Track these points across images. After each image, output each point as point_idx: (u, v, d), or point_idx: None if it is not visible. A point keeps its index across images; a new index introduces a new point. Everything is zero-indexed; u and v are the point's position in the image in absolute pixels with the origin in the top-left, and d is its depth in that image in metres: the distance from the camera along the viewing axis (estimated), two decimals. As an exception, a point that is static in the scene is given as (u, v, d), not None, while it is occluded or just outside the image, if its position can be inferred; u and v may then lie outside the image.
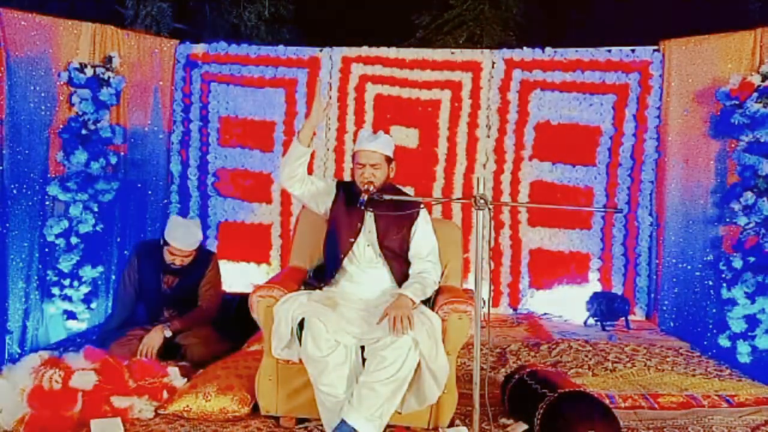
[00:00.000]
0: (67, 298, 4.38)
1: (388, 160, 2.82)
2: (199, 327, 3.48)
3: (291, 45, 5.45)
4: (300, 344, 2.55)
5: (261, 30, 8.07)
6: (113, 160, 4.57)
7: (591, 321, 4.71)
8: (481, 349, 2.36)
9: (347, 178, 5.21)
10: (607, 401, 2.95)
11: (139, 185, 4.96)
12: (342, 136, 5.25)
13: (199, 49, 5.29)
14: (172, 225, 3.42)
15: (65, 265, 4.35)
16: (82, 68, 4.44)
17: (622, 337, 4.34)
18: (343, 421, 2.39)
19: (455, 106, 5.17)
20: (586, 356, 3.81)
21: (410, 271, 2.81)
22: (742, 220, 4.02)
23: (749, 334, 3.95)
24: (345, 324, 2.54)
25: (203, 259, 3.61)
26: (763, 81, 4.04)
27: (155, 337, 3.29)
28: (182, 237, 3.38)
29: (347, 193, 2.88)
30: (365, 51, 5.23)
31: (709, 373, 3.57)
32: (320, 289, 2.84)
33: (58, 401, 2.62)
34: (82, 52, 4.52)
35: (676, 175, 4.64)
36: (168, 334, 3.32)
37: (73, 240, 4.37)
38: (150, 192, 5.06)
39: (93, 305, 4.52)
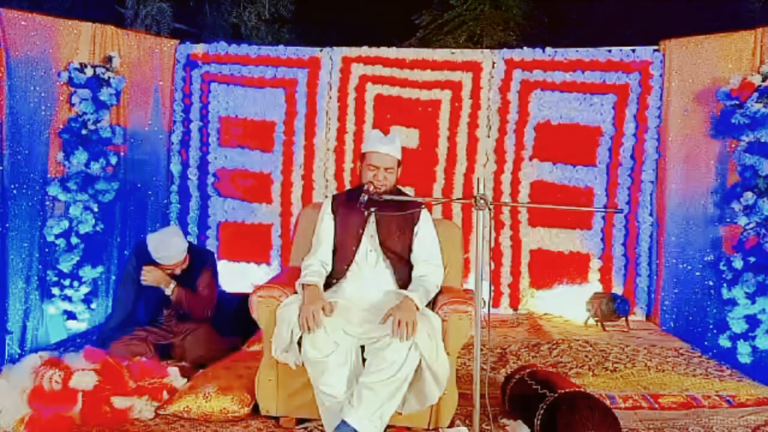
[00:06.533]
0: (67, 299, 4.38)
1: (399, 163, 2.82)
2: (196, 319, 3.49)
3: (291, 45, 5.45)
4: (299, 349, 2.54)
5: (261, 30, 8.07)
6: (113, 160, 4.57)
7: (591, 321, 4.71)
8: (481, 350, 2.36)
9: (347, 177, 5.24)
10: (607, 402, 2.95)
11: (139, 185, 4.95)
12: (342, 136, 5.24)
13: (199, 49, 5.29)
14: (150, 245, 3.38)
15: (65, 266, 4.35)
16: (82, 68, 4.44)
17: (622, 337, 4.34)
18: (343, 422, 2.38)
19: (455, 106, 5.17)
20: (586, 356, 3.81)
21: (413, 274, 2.80)
22: (743, 221, 4.02)
23: (750, 334, 3.94)
24: (345, 324, 2.54)
25: (200, 258, 3.61)
26: (763, 81, 4.03)
27: (159, 276, 3.34)
28: (163, 253, 3.36)
29: (345, 201, 2.87)
30: (365, 51, 5.23)
31: (710, 373, 3.58)
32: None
33: (58, 401, 2.62)
34: (82, 52, 4.52)
35: (676, 175, 4.64)
36: (168, 291, 3.38)
37: (73, 240, 4.37)
38: (150, 192, 5.06)
39: (93, 305, 4.52)
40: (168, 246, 3.37)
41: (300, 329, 2.49)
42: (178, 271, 3.45)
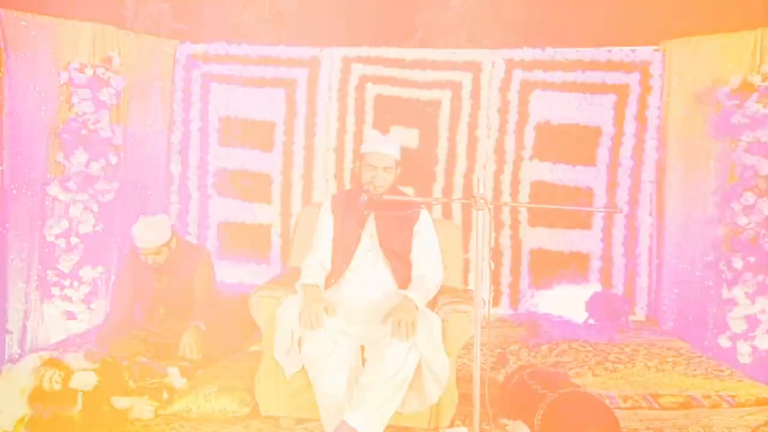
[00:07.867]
0: (67, 299, 4.38)
1: (398, 163, 2.82)
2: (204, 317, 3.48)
3: (291, 45, 5.44)
4: (299, 350, 2.54)
5: (261, 30, 8.07)
6: (113, 160, 4.56)
7: (591, 321, 4.70)
8: (481, 350, 2.35)
9: (347, 177, 5.23)
10: (607, 401, 2.95)
11: (139, 185, 4.95)
12: (342, 136, 5.24)
13: (199, 49, 5.29)
14: (135, 225, 3.40)
15: (65, 266, 4.34)
16: (82, 68, 4.43)
17: (622, 337, 4.34)
18: (343, 422, 2.39)
19: (455, 106, 5.16)
20: (587, 356, 3.81)
21: (412, 274, 2.80)
22: (743, 220, 4.02)
23: (749, 334, 3.94)
24: (345, 324, 2.54)
25: (192, 255, 3.59)
26: (763, 81, 4.03)
27: (194, 335, 3.29)
28: (139, 235, 3.36)
29: (345, 201, 2.87)
30: (365, 51, 5.23)
31: (710, 373, 3.57)
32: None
33: (58, 401, 2.62)
34: (82, 52, 4.51)
35: (676, 175, 4.64)
36: (203, 327, 3.34)
37: (73, 240, 4.36)
38: (150, 192, 5.06)
39: (93, 305, 4.51)
40: (147, 231, 3.37)
41: (303, 326, 2.49)
42: (150, 261, 3.41)
